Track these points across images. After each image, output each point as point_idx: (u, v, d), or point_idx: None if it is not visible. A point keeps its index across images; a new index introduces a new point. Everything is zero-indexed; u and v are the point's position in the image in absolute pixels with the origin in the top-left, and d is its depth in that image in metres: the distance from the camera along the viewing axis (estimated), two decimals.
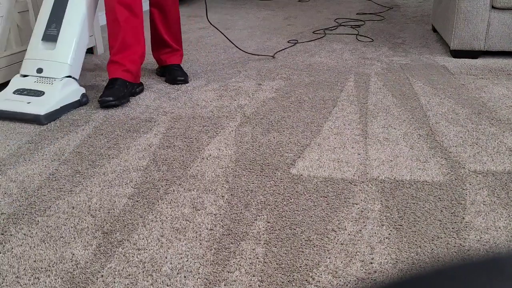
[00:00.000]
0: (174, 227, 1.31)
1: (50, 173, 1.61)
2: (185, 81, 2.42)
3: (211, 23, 2.69)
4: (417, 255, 1.18)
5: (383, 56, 2.82)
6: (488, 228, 1.27)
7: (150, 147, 1.77)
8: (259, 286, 1.10)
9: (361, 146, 1.73)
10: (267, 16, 4.09)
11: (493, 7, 2.55)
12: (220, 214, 1.36)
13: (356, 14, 4.03)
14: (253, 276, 1.13)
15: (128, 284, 1.11)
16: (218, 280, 1.12)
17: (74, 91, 2.11)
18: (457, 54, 2.71)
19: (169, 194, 1.47)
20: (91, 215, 1.38)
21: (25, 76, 2.12)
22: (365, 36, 3.28)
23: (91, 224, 1.33)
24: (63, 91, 2.06)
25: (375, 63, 2.69)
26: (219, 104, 2.16)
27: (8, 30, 2.34)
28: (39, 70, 2.09)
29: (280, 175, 1.56)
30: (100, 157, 1.71)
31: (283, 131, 1.87)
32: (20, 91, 2.06)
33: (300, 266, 1.15)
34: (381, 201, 1.40)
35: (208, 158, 1.68)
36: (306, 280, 1.11)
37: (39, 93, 2.03)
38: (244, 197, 1.44)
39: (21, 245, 1.26)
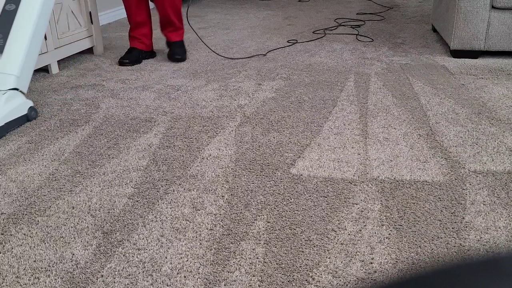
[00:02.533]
0: (174, 227, 1.31)
1: (50, 173, 1.61)
2: (182, 59, 2.85)
3: (193, 29, 2.69)
4: (417, 255, 1.18)
5: (383, 56, 2.82)
6: (488, 228, 1.27)
7: (150, 147, 1.77)
8: (259, 286, 1.10)
9: (361, 146, 1.73)
10: (267, 16, 4.09)
11: (493, 7, 2.55)
12: (220, 214, 1.36)
13: (356, 14, 4.03)
14: (253, 276, 1.13)
15: (128, 284, 1.11)
16: (218, 280, 1.12)
17: (20, 105, 1.92)
18: (457, 54, 2.71)
19: (169, 194, 1.47)
20: (91, 215, 1.38)
21: None
22: (365, 36, 3.28)
23: (91, 224, 1.33)
24: (6, 106, 1.86)
25: (375, 63, 2.69)
26: (219, 104, 2.16)
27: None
28: None
29: (280, 175, 1.56)
30: (100, 157, 1.71)
31: (283, 131, 1.87)
32: None
33: (300, 266, 1.15)
34: (381, 201, 1.40)
35: (208, 158, 1.68)
36: (306, 280, 1.11)
37: None
38: (244, 197, 1.44)
39: (21, 245, 1.26)
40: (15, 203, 1.45)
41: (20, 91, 1.96)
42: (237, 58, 2.83)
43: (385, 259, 1.17)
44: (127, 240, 1.26)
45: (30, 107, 1.98)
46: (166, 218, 1.35)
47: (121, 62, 2.77)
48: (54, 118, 2.05)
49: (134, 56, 2.81)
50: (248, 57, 2.85)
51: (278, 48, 3.04)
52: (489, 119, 1.93)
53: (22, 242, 1.27)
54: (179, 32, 2.92)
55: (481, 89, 2.25)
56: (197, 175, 1.57)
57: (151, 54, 2.93)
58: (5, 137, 1.88)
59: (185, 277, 1.13)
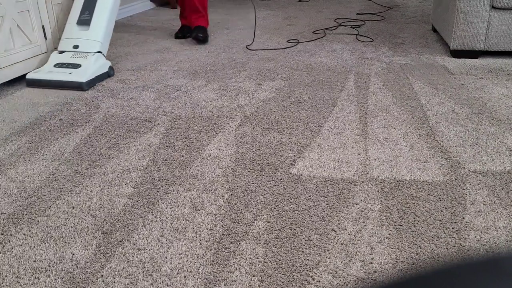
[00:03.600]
0: (174, 227, 1.31)
1: (50, 173, 1.61)
2: (204, 41, 3.15)
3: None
4: (417, 255, 1.18)
5: (383, 56, 2.82)
6: (488, 228, 1.27)
7: (150, 147, 1.77)
8: (259, 286, 1.10)
9: (361, 146, 1.73)
10: (267, 16, 4.09)
11: (493, 7, 2.55)
12: (220, 214, 1.36)
13: (356, 14, 4.03)
14: (253, 276, 1.13)
15: (128, 284, 1.11)
16: (218, 280, 1.12)
17: (104, 64, 2.53)
18: (457, 54, 2.71)
19: (169, 194, 1.47)
20: (91, 215, 1.38)
21: (61, 52, 2.52)
22: (365, 36, 3.28)
23: (91, 224, 1.33)
24: (96, 63, 2.47)
25: (375, 63, 2.69)
26: (219, 104, 2.16)
27: (8, 30, 2.34)
28: (76, 46, 2.51)
29: (280, 175, 1.56)
30: (100, 157, 1.71)
31: (283, 131, 1.87)
32: (60, 65, 2.47)
33: (300, 266, 1.15)
34: (381, 201, 1.40)
35: (208, 158, 1.68)
36: (306, 280, 1.11)
37: (77, 66, 2.45)
38: (244, 197, 1.44)
39: (21, 245, 1.26)
40: (15, 203, 1.45)
41: (102, 54, 2.54)
42: (262, 49, 2.83)
43: (385, 259, 1.17)
44: (127, 240, 1.26)
45: (110, 66, 2.58)
46: (166, 218, 1.35)
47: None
48: (54, 118, 2.05)
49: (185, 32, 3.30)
50: (284, 48, 2.85)
51: (278, 49, 3.04)
52: (489, 119, 1.93)
53: (22, 242, 1.27)
54: (204, 19, 3.23)
55: (481, 89, 2.25)
56: (197, 175, 1.57)
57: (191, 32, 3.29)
58: (5, 137, 1.88)
59: (185, 277, 1.13)
